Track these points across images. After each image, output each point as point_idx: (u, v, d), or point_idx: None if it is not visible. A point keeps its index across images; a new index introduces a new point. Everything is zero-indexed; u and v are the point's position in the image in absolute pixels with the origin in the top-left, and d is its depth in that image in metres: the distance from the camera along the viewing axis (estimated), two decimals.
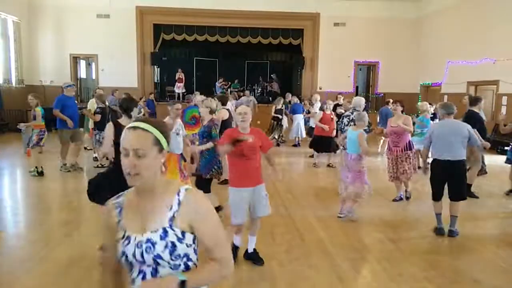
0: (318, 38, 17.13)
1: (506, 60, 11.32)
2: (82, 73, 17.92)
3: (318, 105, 10.94)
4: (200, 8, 16.13)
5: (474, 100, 6.77)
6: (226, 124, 6.76)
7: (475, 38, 12.70)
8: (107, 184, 3.58)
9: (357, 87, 17.93)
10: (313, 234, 4.82)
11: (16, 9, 14.79)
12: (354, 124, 5.50)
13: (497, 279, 3.77)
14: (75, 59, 16.80)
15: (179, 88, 17.08)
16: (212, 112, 5.16)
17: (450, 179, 4.72)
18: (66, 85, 8.02)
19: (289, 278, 3.69)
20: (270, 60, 20.31)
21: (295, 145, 11.86)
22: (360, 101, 6.77)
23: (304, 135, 11.78)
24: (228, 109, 7.23)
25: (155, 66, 17.77)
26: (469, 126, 4.77)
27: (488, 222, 5.49)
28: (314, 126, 10.73)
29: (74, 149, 8.04)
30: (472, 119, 6.18)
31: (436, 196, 4.82)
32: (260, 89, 18.92)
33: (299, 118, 11.61)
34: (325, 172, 8.53)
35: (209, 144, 4.88)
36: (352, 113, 6.52)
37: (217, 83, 18.18)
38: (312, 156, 9.46)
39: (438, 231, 4.79)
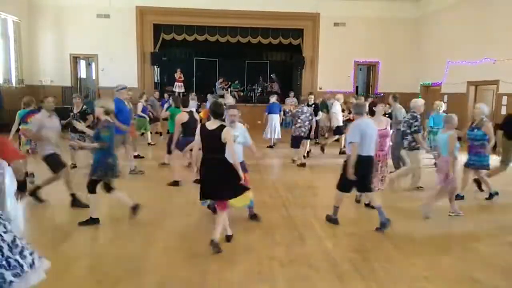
0: (318, 38, 17.12)
1: (506, 60, 11.31)
2: (82, 73, 17.92)
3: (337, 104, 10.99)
4: (200, 8, 16.13)
5: (392, 99, 8.03)
6: (187, 126, 6.61)
7: (475, 38, 12.70)
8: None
9: (357, 87, 17.94)
10: (313, 234, 4.82)
11: (16, 9, 14.78)
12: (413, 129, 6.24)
13: (497, 279, 3.77)
14: (75, 59, 16.80)
15: (179, 88, 17.08)
16: (107, 113, 4.94)
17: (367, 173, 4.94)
18: (118, 88, 7.62)
19: (289, 278, 3.69)
20: (270, 60, 20.30)
21: (270, 146, 11.30)
22: (417, 103, 6.69)
23: (279, 135, 11.39)
24: (190, 111, 6.93)
25: (155, 66, 17.76)
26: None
27: (488, 222, 5.48)
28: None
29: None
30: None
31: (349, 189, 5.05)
32: (260, 89, 18.92)
33: (275, 118, 11.20)
34: (324, 171, 8.52)
35: (93, 145, 4.89)
36: (413, 117, 6.44)
37: (217, 83, 18.19)
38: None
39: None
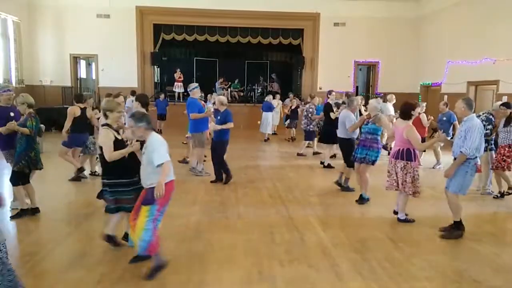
0: (318, 38, 17.14)
1: (506, 60, 11.32)
2: (82, 73, 17.93)
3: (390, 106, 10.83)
4: (200, 8, 16.14)
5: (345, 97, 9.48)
6: (79, 121, 6.72)
7: (475, 38, 12.70)
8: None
9: (357, 87, 17.95)
10: (313, 234, 4.82)
11: (16, 9, 14.79)
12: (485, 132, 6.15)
13: (497, 279, 3.77)
14: (75, 59, 16.81)
15: (179, 88, 17.08)
16: (30, 106, 5.12)
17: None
18: (191, 88, 7.74)
19: (289, 278, 3.69)
20: (270, 60, 20.32)
21: (265, 140, 13.06)
22: (497, 104, 6.61)
23: (269, 131, 13.40)
24: (84, 107, 6.89)
25: (155, 66, 17.77)
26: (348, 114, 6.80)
27: (488, 222, 5.49)
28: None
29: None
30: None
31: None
32: (260, 89, 18.93)
33: (266, 116, 13.14)
34: (324, 171, 8.53)
35: (23, 129, 4.90)
36: (487, 119, 6.39)
37: (217, 83, 18.18)
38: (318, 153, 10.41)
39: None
